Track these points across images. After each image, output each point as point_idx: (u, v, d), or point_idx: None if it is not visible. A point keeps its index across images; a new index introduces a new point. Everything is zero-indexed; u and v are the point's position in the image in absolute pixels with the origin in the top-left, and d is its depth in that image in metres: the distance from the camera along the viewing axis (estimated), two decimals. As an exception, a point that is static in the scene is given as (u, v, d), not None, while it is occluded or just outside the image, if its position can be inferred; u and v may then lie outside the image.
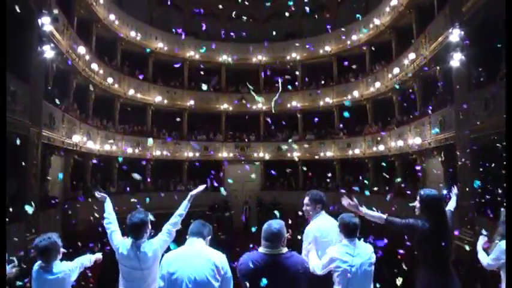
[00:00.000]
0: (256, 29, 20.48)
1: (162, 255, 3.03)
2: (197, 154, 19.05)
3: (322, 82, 19.67)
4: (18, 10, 7.21)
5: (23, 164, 8.50)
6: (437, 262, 3.19)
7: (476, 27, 9.28)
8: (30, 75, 9.14)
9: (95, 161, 13.73)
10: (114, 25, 16.36)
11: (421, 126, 12.93)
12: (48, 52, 9.37)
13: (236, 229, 17.28)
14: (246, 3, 15.11)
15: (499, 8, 5.32)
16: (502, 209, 4.06)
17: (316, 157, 15.55)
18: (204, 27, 13.17)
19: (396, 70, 14.81)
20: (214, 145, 19.88)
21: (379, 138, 16.03)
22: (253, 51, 19.99)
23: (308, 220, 3.72)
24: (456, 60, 9.81)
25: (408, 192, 10.43)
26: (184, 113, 19.50)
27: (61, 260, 3.26)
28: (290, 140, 18.65)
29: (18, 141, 7.16)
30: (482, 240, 4.10)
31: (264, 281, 2.47)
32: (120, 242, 3.30)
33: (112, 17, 16.07)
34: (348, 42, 18.24)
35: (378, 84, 16.48)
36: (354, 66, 16.09)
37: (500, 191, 6.44)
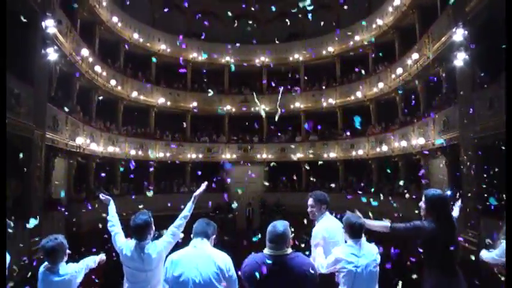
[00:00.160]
0: (259, 30, 20.48)
1: (166, 257, 3.02)
2: (200, 156, 19.07)
3: (325, 83, 19.68)
4: (23, 19, 7.22)
5: (27, 166, 8.53)
6: (445, 263, 3.16)
7: (479, 26, 9.23)
8: (34, 77, 9.17)
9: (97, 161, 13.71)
10: (117, 27, 16.42)
11: (424, 126, 12.88)
12: (52, 54, 9.42)
13: (239, 230, 17.25)
14: (252, 9, 15.11)
15: (503, 7, 5.28)
16: None
17: (320, 162, 15.52)
18: (206, 28, 13.19)
19: (399, 70, 14.77)
20: (217, 147, 19.89)
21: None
22: (256, 52, 20.00)
23: (313, 222, 3.70)
24: (460, 60, 9.78)
25: (413, 197, 10.42)
26: (187, 115, 19.54)
27: (66, 262, 3.25)
28: (293, 146, 18.65)
29: (21, 143, 7.18)
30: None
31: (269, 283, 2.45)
32: (124, 244, 3.29)
33: (115, 19, 16.14)
34: (351, 42, 18.21)
35: (381, 85, 16.43)
36: (356, 69, 16.06)
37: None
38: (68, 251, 3.25)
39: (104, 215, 3.64)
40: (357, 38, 17.88)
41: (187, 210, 3.49)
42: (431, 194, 3.33)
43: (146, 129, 18.54)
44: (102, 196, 3.82)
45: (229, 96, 20.48)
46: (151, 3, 19.44)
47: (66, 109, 11.00)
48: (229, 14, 16.87)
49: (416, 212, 3.54)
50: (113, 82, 15.70)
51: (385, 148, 15.68)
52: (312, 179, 16.85)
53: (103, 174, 13.42)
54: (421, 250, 3.31)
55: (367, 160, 17.25)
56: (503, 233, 3.95)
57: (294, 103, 19.52)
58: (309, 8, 5.06)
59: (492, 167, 7.93)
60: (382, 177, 16.39)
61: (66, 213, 10.89)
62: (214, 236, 2.94)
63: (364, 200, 6.50)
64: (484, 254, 4.13)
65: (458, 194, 4.35)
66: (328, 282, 3.18)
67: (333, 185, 16.67)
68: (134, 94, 17.32)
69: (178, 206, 3.79)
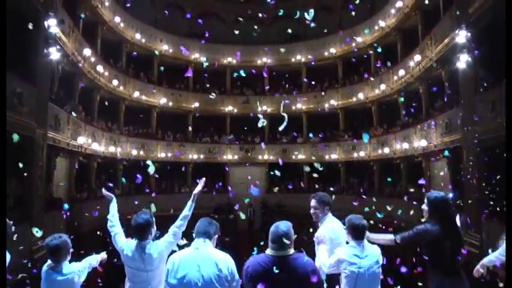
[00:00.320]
0: (261, 32, 20.46)
1: (167, 258, 3.00)
2: (202, 156, 19.07)
3: (327, 84, 19.65)
4: (29, 24, 7.22)
5: (28, 165, 8.51)
6: (448, 264, 3.15)
7: (483, 28, 9.18)
8: (37, 77, 9.17)
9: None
10: (119, 27, 16.44)
11: (426, 128, 12.83)
12: (54, 54, 9.42)
13: (240, 231, 17.23)
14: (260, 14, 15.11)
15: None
16: None
17: (321, 166, 15.39)
18: (208, 30, 13.20)
19: (402, 72, 14.73)
20: (218, 147, 19.87)
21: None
22: (258, 53, 19.99)
23: (316, 223, 3.68)
24: (462, 61, 9.71)
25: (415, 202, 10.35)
26: (189, 115, 19.54)
27: (69, 261, 3.24)
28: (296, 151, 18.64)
29: (21, 142, 7.16)
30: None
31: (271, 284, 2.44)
32: (125, 244, 3.27)
33: (117, 19, 16.15)
34: (353, 44, 18.18)
35: (383, 87, 16.40)
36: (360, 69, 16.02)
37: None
38: (71, 250, 3.24)
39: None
40: (359, 39, 17.86)
41: (187, 210, 3.43)
42: (433, 197, 3.32)
43: (148, 129, 18.55)
44: (105, 192, 3.80)
45: (231, 97, 20.47)
46: (154, 4, 19.45)
47: (67, 108, 10.99)
48: (231, 14, 16.90)
49: (412, 213, 3.51)
50: (115, 82, 15.71)
51: (386, 150, 15.65)
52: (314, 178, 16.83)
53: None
54: (424, 250, 3.29)
55: (369, 162, 17.22)
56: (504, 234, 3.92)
57: (295, 105, 19.50)
58: (311, 18, 5.03)
59: (494, 170, 7.90)
60: (383, 179, 16.34)
61: (68, 213, 10.88)
62: (216, 236, 2.92)
63: (367, 209, 6.38)
64: (486, 259, 3.96)
65: (460, 202, 4.30)
66: (330, 280, 3.18)
67: (331, 189, 16.66)
68: (136, 94, 17.33)
69: (180, 206, 3.76)
